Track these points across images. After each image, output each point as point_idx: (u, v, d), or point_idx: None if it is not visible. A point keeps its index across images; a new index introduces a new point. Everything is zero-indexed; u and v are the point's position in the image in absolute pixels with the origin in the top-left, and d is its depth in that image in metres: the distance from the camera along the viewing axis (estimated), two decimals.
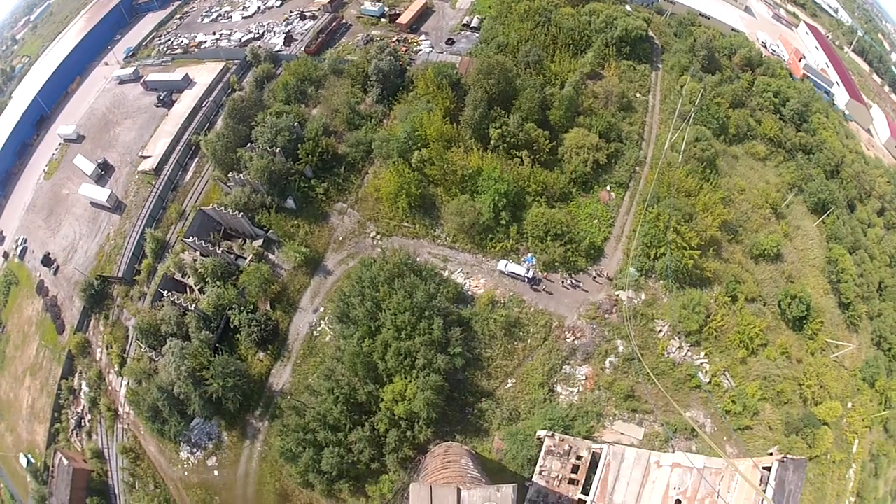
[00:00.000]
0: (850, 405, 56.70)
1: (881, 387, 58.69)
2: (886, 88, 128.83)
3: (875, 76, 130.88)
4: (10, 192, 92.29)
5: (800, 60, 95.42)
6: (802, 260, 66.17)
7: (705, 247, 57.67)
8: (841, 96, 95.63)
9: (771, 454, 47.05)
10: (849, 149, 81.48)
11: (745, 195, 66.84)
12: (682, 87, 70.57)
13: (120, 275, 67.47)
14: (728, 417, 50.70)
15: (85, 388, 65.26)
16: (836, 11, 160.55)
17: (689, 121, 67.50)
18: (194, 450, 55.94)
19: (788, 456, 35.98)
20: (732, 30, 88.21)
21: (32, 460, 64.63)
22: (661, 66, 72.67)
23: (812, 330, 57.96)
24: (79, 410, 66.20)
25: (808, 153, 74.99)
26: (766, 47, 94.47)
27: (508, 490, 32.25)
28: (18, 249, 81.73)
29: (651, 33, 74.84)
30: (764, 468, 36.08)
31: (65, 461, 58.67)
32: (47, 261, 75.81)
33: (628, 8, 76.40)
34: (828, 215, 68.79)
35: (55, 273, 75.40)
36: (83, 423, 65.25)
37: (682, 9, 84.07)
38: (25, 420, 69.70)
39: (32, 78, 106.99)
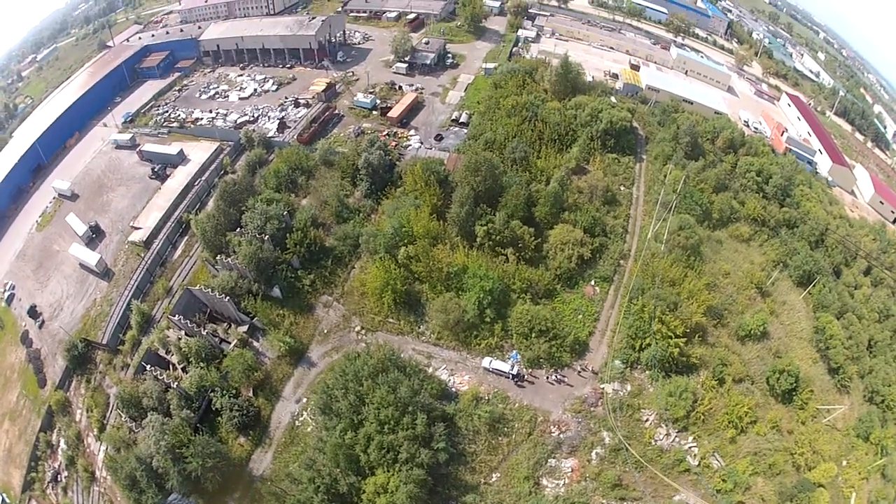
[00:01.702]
0: (844, 463, 56.59)
1: (876, 438, 58.42)
2: (869, 144, 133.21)
3: (858, 134, 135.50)
4: (2, 235, 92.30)
5: (782, 134, 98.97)
6: (790, 334, 66.84)
7: (691, 333, 58.31)
8: (824, 163, 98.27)
9: None
10: (833, 215, 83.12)
11: (729, 278, 68.04)
12: (665, 176, 72.73)
13: (104, 342, 67.09)
14: (719, 496, 50.61)
15: (63, 445, 64.21)
16: (817, 75, 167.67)
17: (671, 209, 69.28)
18: None
19: None
20: (715, 112, 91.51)
21: (8, 501, 63.51)
22: (644, 156, 75.02)
23: (802, 400, 58.18)
24: (55, 465, 64.93)
25: (791, 227, 76.64)
26: (748, 125, 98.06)
27: None
28: (6, 294, 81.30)
29: (636, 123, 77.54)
30: None
31: None
32: (34, 313, 75.44)
33: (613, 100, 79.24)
34: (813, 286, 69.86)
35: (40, 327, 74.95)
36: (59, 479, 63.85)
37: (666, 96, 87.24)
38: (2, 461, 68.08)
39: (33, 123, 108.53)
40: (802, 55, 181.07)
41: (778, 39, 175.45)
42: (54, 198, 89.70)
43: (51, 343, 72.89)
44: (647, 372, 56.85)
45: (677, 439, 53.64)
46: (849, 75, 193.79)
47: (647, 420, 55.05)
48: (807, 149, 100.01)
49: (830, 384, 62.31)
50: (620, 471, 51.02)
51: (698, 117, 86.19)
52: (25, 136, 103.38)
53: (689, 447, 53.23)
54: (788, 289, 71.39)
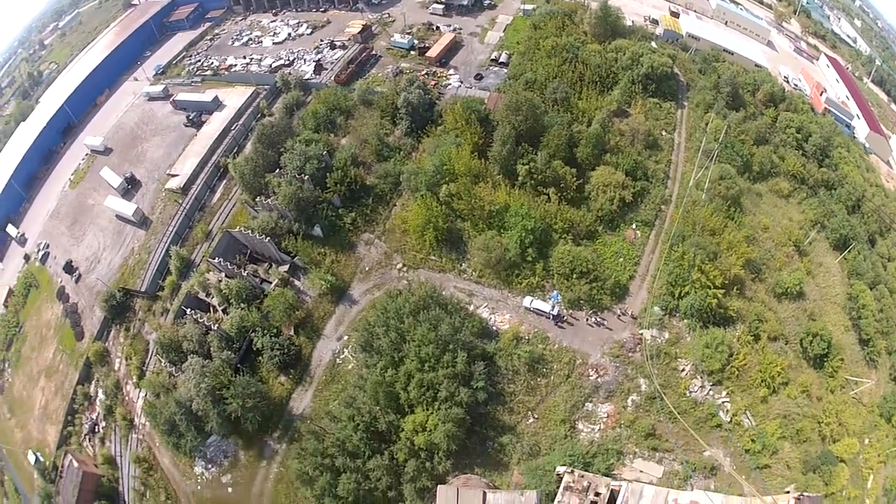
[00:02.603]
0: (866, 441, 56.18)
1: None
2: None
3: (893, 105, 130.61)
4: (34, 196, 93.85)
5: (821, 94, 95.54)
6: (824, 297, 65.77)
7: (729, 285, 57.39)
8: (861, 129, 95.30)
9: (788, 492, 46.97)
10: (869, 182, 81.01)
11: (768, 233, 66.76)
12: (706, 124, 70.92)
13: (143, 289, 68.21)
14: (748, 456, 50.45)
15: (101, 395, 65.80)
16: (854, 41, 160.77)
17: (713, 159, 67.74)
18: (209, 466, 56.07)
19: (805, 494, 35.55)
20: (756, 65, 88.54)
21: (41, 458, 65.06)
22: (686, 103, 73.02)
23: (832, 367, 57.61)
24: (93, 416, 66.64)
25: (829, 189, 74.86)
26: (788, 82, 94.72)
27: (532, 495, 32.37)
28: (40, 253, 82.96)
29: (676, 70, 75.30)
30: None
31: (75, 463, 59.12)
32: (69, 268, 76.78)
33: (654, 45, 76.87)
34: (849, 251, 68.41)
35: (77, 281, 76.32)
36: (97, 430, 65.66)
37: (707, 45, 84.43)
38: (37, 419, 70.15)
39: (61, 85, 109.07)
40: (840, 19, 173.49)
41: (816, 0, 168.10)
42: (87, 154, 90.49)
43: (88, 296, 74.24)
44: (685, 320, 56.16)
45: (711, 392, 53.12)
46: (884, 46, 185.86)
47: (682, 370, 54.57)
48: (845, 112, 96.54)
49: (860, 355, 61.36)
50: (654, 420, 50.79)
51: (738, 68, 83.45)
52: (53, 99, 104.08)
53: (723, 402, 52.70)
54: (825, 251, 69.83)
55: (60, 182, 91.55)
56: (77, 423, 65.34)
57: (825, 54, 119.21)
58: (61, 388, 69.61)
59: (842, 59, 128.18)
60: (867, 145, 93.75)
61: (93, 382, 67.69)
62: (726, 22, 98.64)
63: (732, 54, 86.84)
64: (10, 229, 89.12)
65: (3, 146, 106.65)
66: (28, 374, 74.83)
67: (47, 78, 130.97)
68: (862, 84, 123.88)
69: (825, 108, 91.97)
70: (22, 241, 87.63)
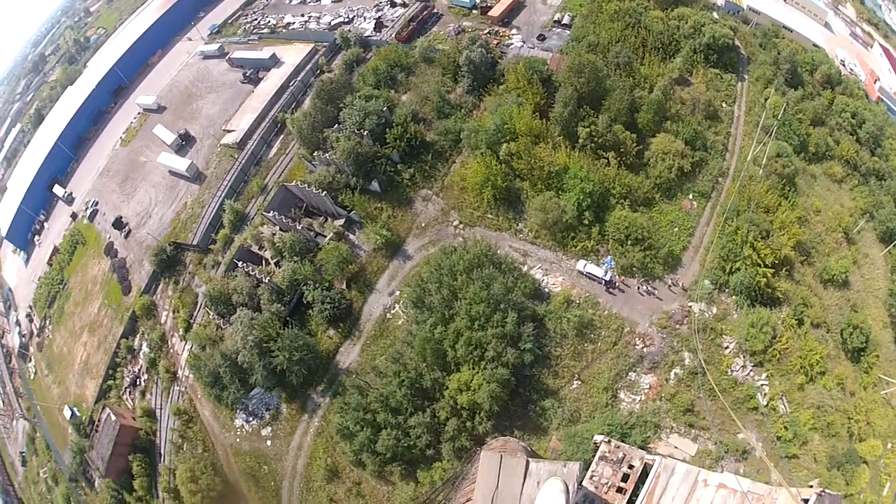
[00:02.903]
0: (889, 445, 55.10)
1: None
2: None
3: None
4: (83, 157, 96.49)
5: (875, 82, 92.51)
6: (867, 289, 64.47)
7: (779, 265, 56.45)
8: None
9: (811, 486, 46.45)
10: None
11: (820, 217, 65.45)
12: (765, 99, 69.32)
13: (195, 242, 69.55)
14: (779, 443, 49.91)
15: (145, 348, 67.35)
16: None
17: (771, 135, 66.33)
18: (250, 418, 57.19)
19: (827, 491, 35.17)
20: (814, 45, 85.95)
21: (77, 413, 66.97)
22: (746, 76, 71.36)
23: (868, 363, 56.58)
24: (135, 370, 68.35)
25: (880, 179, 73.21)
26: (844, 65, 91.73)
27: (575, 467, 32.74)
28: (88, 211, 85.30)
29: (737, 42, 73.54)
30: (803, 500, 35.45)
31: (112, 416, 60.34)
32: (119, 224, 78.69)
33: (715, 15, 75.13)
34: (894, 245, 66.84)
35: (126, 236, 78.24)
36: (138, 383, 67.29)
37: (767, 20, 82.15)
38: (77, 374, 72.26)
39: (110, 48, 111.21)
40: (891, 10, 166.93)
41: None
42: (139, 113, 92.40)
43: (137, 250, 75.97)
44: (733, 297, 55.41)
45: (752, 373, 52.51)
46: None
47: (727, 347, 53.98)
48: None
49: (894, 354, 59.91)
50: (694, 396, 50.40)
51: (797, 46, 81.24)
52: (102, 62, 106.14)
53: (762, 384, 52.10)
54: (872, 242, 68.33)
55: (111, 141, 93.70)
56: (118, 377, 67.09)
57: (879, 43, 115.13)
58: (104, 342, 71.57)
59: (894, 50, 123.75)
60: None
61: (137, 336, 69.23)
62: None
63: (791, 31, 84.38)
64: (58, 189, 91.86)
65: (49, 111, 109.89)
66: (70, 329, 77.06)
67: (95, 43, 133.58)
68: None
69: (879, 96, 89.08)
70: (69, 200, 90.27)
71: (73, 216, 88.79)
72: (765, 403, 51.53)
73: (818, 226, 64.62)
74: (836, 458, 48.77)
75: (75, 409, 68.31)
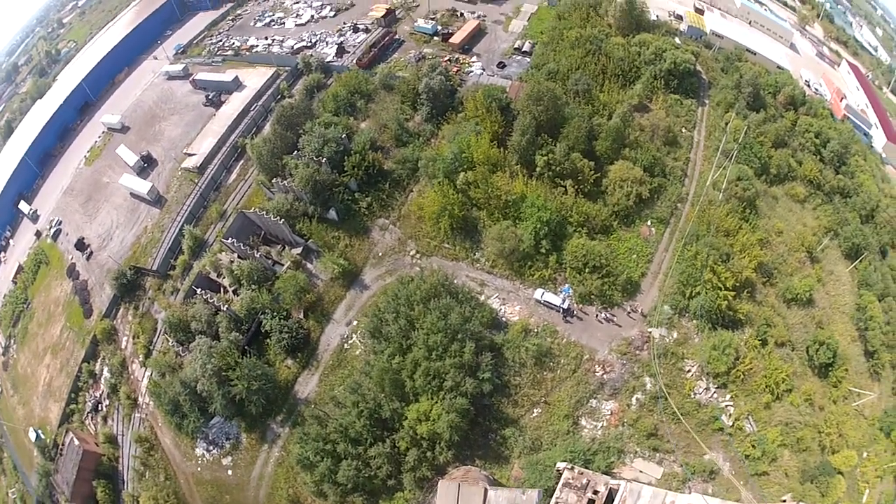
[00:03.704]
0: (865, 455, 55.71)
1: None
2: None
3: None
4: (48, 173, 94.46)
5: (841, 100, 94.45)
6: (833, 306, 65.27)
7: (740, 288, 57.00)
8: (879, 138, 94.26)
9: (784, 501, 46.65)
10: (884, 193, 79.97)
11: (782, 237, 66.14)
12: (726, 124, 70.20)
13: (154, 268, 68.45)
14: (747, 462, 50.14)
15: (106, 373, 66.11)
16: (875, 50, 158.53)
17: (731, 159, 67.10)
18: (211, 447, 56.32)
19: (801, 503, 35.26)
20: (777, 67, 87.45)
21: (42, 436, 65.55)
22: (707, 101, 72.30)
23: (837, 377, 57.18)
24: (97, 394, 66.96)
25: (845, 196, 74.16)
26: (809, 86, 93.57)
27: (534, 494, 32.43)
28: (52, 230, 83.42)
29: (699, 67, 74.54)
30: None
31: (76, 441, 59.33)
32: (81, 245, 77.12)
33: (677, 41, 76.06)
34: (860, 261, 67.80)
35: (88, 258, 76.68)
36: (100, 408, 65.97)
37: (730, 43, 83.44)
38: (40, 396, 70.61)
39: (79, 63, 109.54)
40: (861, 26, 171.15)
41: (838, 6, 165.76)
42: (103, 132, 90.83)
43: (98, 273, 74.57)
44: (694, 321, 55.88)
45: (715, 395, 52.81)
46: None
47: (688, 371, 54.28)
48: (864, 120, 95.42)
49: (864, 367, 60.64)
50: (657, 420, 50.53)
51: (761, 69, 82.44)
52: (71, 77, 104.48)
53: (726, 405, 52.44)
54: (837, 259, 69.20)
55: (76, 159, 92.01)
56: (80, 401, 65.79)
57: (846, 60, 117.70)
58: (66, 365, 70.06)
59: (862, 67, 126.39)
60: (884, 155, 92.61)
61: (99, 360, 67.93)
62: (750, 21, 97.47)
63: (755, 54, 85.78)
64: (23, 206, 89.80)
65: (18, 123, 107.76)
66: (34, 350, 75.34)
67: (65, 56, 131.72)
68: (881, 93, 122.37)
69: (844, 114, 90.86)
70: (34, 217, 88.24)
71: (38, 234, 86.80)
72: (730, 424, 51.75)
73: (780, 247, 65.29)
74: (809, 472, 49.17)
75: (40, 431, 66.84)
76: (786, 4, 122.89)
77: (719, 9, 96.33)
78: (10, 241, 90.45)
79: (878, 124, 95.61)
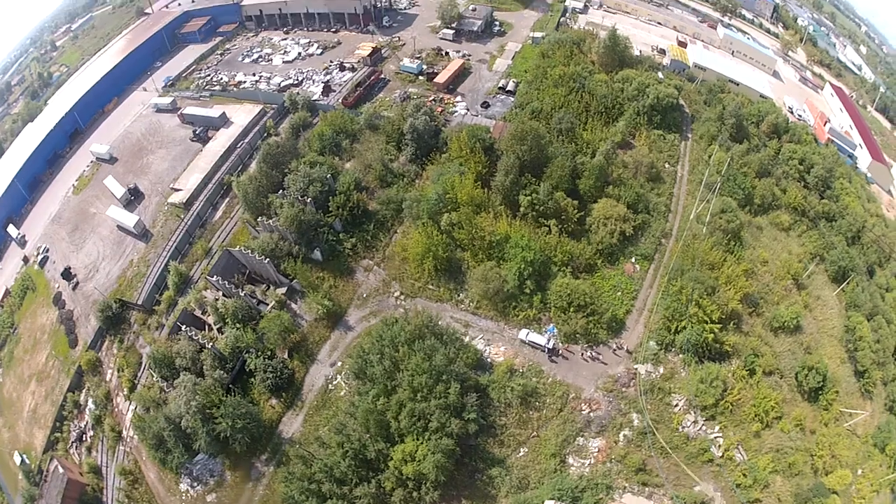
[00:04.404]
0: (859, 472, 55.72)
1: (892, 450, 57.77)
2: None
3: None
4: (38, 199, 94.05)
5: (825, 124, 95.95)
6: (821, 330, 65.62)
7: (726, 320, 57.34)
8: (863, 158, 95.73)
9: None
10: (870, 213, 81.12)
11: (767, 266, 66.70)
12: (709, 156, 71.03)
13: (140, 302, 68.05)
14: (738, 490, 49.98)
15: (91, 405, 65.45)
16: (859, 68, 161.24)
17: (715, 192, 67.75)
18: (195, 484, 55.50)
19: None
20: (761, 96, 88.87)
21: (27, 461, 64.79)
22: (690, 135, 73.16)
23: (827, 400, 57.34)
24: (81, 425, 66.27)
25: (830, 221, 74.94)
26: (792, 112, 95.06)
27: None
28: (39, 257, 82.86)
29: (682, 101, 75.47)
30: None
31: (60, 469, 58.93)
32: (68, 274, 76.61)
33: (660, 75, 77.14)
34: (847, 283, 68.32)
35: (74, 288, 76.14)
36: (84, 438, 65.23)
37: (713, 75, 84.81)
38: (25, 422, 69.77)
39: (70, 89, 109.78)
40: (845, 46, 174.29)
41: (822, 28, 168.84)
42: (92, 161, 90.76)
43: (84, 304, 74.11)
44: (680, 356, 56.09)
45: (704, 427, 52.89)
46: (889, 72, 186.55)
47: (676, 405, 54.34)
48: (848, 142, 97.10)
49: (855, 387, 61.07)
50: (646, 455, 50.50)
51: (744, 99, 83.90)
52: (62, 102, 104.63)
53: (715, 437, 52.49)
54: (823, 283, 69.82)
55: (64, 187, 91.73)
56: (65, 430, 64.98)
57: (830, 83, 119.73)
58: (51, 393, 69.44)
59: (846, 88, 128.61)
60: (869, 175, 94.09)
61: (83, 391, 67.34)
62: (733, 52, 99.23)
63: (738, 85, 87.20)
64: (11, 230, 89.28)
65: (9, 145, 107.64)
66: (19, 375, 74.66)
67: (57, 80, 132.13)
68: (865, 112, 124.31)
69: (828, 138, 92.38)
70: (22, 242, 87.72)
71: (25, 260, 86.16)
72: (720, 454, 51.68)
73: (766, 276, 65.74)
74: (802, 495, 49.04)
75: (25, 456, 66.01)
76: (769, 31, 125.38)
77: (702, 41, 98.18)
78: None
79: (862, 144, 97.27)
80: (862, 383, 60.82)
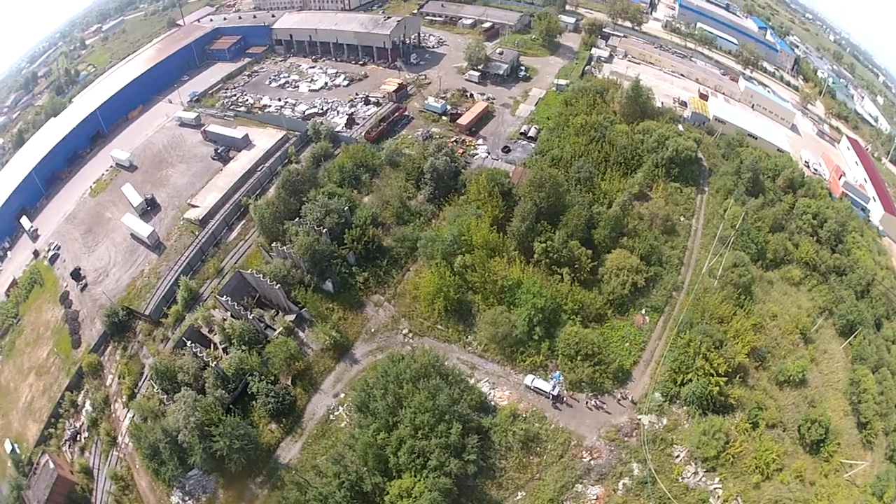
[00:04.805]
0: None
1: (890, 497, 56.70)
2: None
3: None
4: (54, 195, 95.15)
5: (840, 178, 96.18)
6: (826, 383, 64.95)
7: (732, 373, 56.91)
8: (876, 210, 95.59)
9: None
10: (880, 265, 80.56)
11: (776, 321, 66.37)
12: (725, 210, 71.23)
13: (147, 312, 68.24)
14: None
15: (89, 406, 65.30)
16: (876, 120, 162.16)
17: (728, 246, 67.81)
18: (186, 498, 54.89)
19: None
20: (778, 149, 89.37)
21: (18, 450, 64.57)
22: (706, 188, 73.40)
23: (828, 452, 56.49)
24: (77, 425, 66.02)
25: (840, 274, 74.66)
26: (808, 166, 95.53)
27: None
28: (50, 253, 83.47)
29: (700, 154, 75.93)
30: None
31: (51, 464, 58.68)
32: (77, 275, 77.02)
33: (680, 128, 77.77)
34: (854, 337, 67.65)
35: (82, 290, 76.45)
36: (78, 438, 64.87)
37: (732, 129, 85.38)
38: (20, 412, 69.54)
39: (96, 91, 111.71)
40: (863, 97, 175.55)
41: (841, 80, 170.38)
42: (111, 166, 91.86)
43: (91, 306, 74.41)
44: (684, 407, 55.69)
45: (704, 479, 52.27)
46: None
47: (677, 456, 53.80)
48: (861, 195, 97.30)
49: (857, 438, 60.23)
50: None
51: (761, 153, 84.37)
52: (87, 102, 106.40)
53: (715, 488, 51.79)
54: (831, 337, 69.31)
55: (81, 187, 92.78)
56: (59, 427, 64.81)
57: (846, 136, 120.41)
58: (49, 389, 69.34)
59: (862, 140, 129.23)
60: (881, 228, 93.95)
61: (82, 392, 67.24)
62: (753, 105, 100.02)
63: (756, 138, 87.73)
64: (25, 221, 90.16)
65: (30, 136, 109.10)
66: (18, 366, 74.71)
67: (83, 79, 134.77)
68: (880, 164, 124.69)
69: (843, 192, 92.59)
70: (34, 235, 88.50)
71: (35, 254, 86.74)
72: None
73: (774, 330, 65.39)
74: None
75: (16, 445, 65.71)
76: (789, 84, 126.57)
77: (723, 93, 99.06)
78: (8, 252, 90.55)
79: (875, 197, 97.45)
80: (864, 434, 60.07)
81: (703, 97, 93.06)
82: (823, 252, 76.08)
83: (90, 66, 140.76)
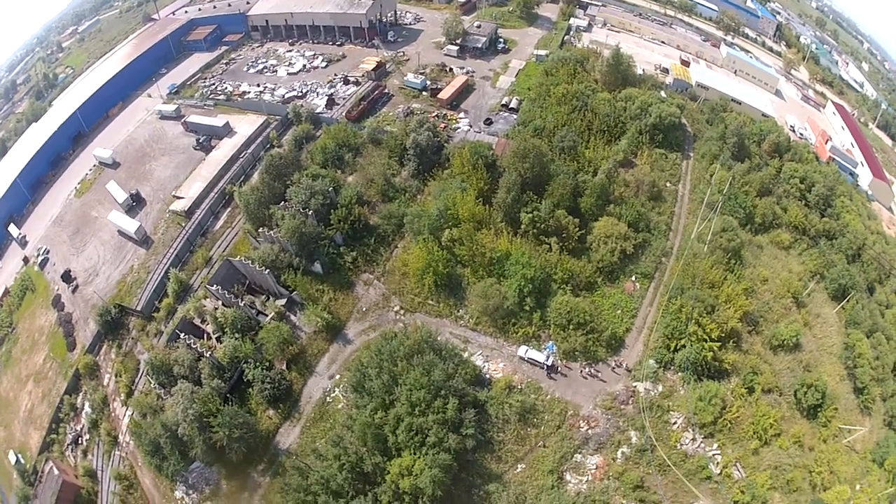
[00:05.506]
0: (858, 487, 55.21)
1: (891, 464, 57.57)
2: None
3: None
4: (39, 199, 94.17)
5: (826, 142, 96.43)
6: (821, 348, 65.56)
7: (725, 338, 57.33)
8: (864, 176, 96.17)
9: None
10: (870, 230, 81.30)
11: (767, 285, 66.78)
12: (711, 175, 71.30)
13: (139, 308, 67.93)
14: None
15: (88, 408, 65.22)
16: (861, 86, 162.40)
17: (716, 210, 68.01)
18: (190, 491, 55.18)
19: None
20: (763, 115, 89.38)
21: (22, 460, 64.66)
22: (692, 154, 73.41)
23: (826, 417, 57.22)
24: (77, 428, 66.03)
25: (831, 239, 75.18)
26: (794, 131, 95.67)
27: None
28: (39, 258, 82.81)
29: (684, 120, 75.83)
30: None
31: (55, 471, 58.78)
32: (67, 277, 76.56)
33: (663, 94, 77.60)
34: (847, 301, 68.26)
35: (73, 291, 76.07)
36: (80, 441, 64.92)
37: (715, 94, 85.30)
38: (21, 422, 69.54)
39: (75, 91, 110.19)
40: (848, 64, 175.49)
41: (825, 46, 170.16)
42: (95, 165, 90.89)
43: (83, 307, 74.01)
44: (679, 374, 56.09)
45: (702, 445, 52.81)
46: (891, 88, 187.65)
47: (675, 423, 54.33)
48: (849, 160, 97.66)
49: (854, 404, 60.82)
50: (643, 472, 50.41)
51: (746, 118, 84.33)
52: (66, 104, 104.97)
53: (713, 454, 52.43)
54: (823, 301, 69.82)
55: (66, 189, 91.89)
56: (61, 432, 64.85)
57: (832, 101, 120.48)
58: (48, 394, 69.26)
59: (848, 106, 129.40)
60: (870, 192, 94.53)
61: (80, 394, 67.12)
62: (735, 71, 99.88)
63: (740, 104, 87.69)
64: (12, 229, 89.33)
65: (13, 143, 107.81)
66: (16, 375, 74.50)
67: (62, 82, 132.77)
68: (867, 130, 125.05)
69: (830, 156, 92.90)
70: (23, 242, 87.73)
71: (25, 260, 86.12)
72: (718, 472, 51.53)
73: (766, 294, 65.81)
74: None
75: (20, 455, 65.77)
76: (771, 50, 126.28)
77: (705, 60, 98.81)
78: None
79: (863, 162, 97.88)
80: (861, 400, 60.69)
81: (685, 63, 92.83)
82: (812, 216, 76.38)
83: (68, 68, 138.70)
